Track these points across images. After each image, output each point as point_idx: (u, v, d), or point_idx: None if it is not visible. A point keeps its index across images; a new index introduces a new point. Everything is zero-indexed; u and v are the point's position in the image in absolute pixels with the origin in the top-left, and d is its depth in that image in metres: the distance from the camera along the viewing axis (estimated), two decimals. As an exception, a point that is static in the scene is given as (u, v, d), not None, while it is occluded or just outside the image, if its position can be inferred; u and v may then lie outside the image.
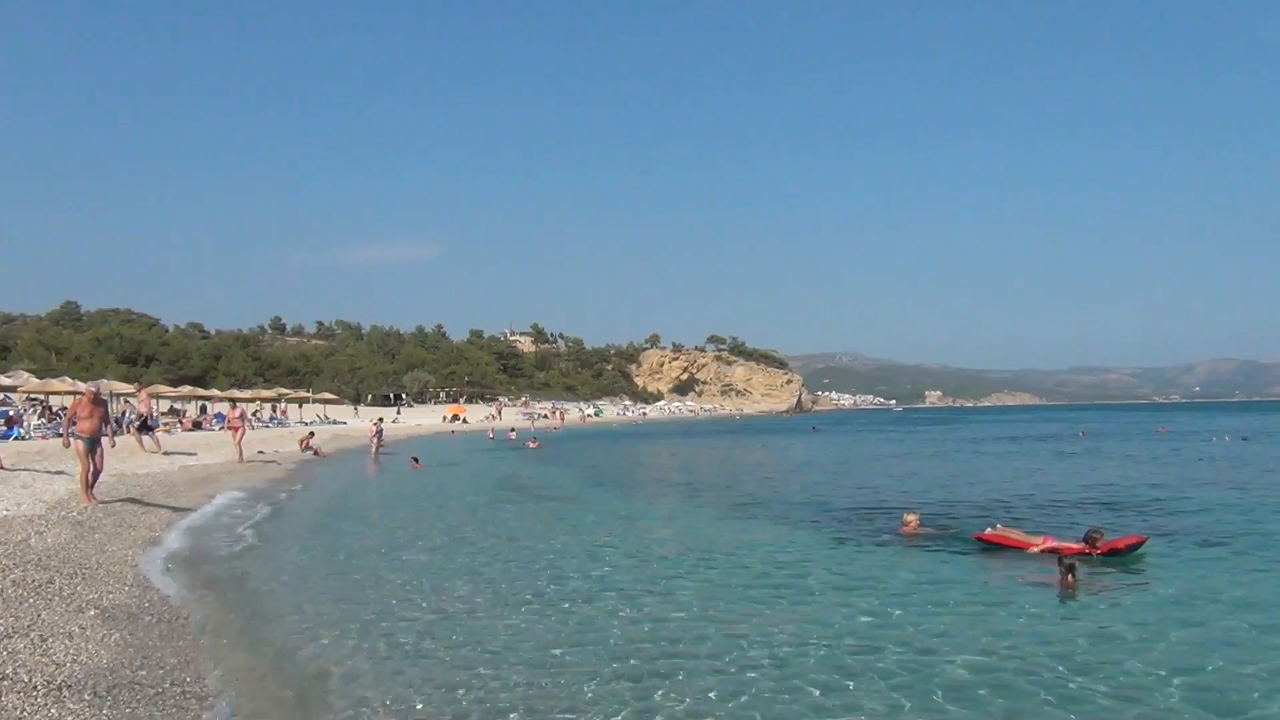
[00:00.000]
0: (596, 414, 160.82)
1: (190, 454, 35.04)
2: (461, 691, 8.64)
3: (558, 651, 9.92)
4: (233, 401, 60.61)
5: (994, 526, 17.41)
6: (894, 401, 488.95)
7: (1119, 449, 52.41)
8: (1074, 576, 13.32)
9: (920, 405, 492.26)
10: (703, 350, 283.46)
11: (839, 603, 12.30)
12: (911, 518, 19.22)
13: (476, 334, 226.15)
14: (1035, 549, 15.85)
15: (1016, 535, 16.72)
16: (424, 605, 12.17)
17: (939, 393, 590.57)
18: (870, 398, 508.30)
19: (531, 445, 58.39)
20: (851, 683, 8.81)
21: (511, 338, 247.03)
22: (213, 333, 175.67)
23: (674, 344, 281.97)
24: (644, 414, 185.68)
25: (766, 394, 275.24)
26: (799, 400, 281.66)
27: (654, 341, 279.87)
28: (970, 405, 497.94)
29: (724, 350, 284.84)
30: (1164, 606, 11.97)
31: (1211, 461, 39.95)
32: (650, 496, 27.47)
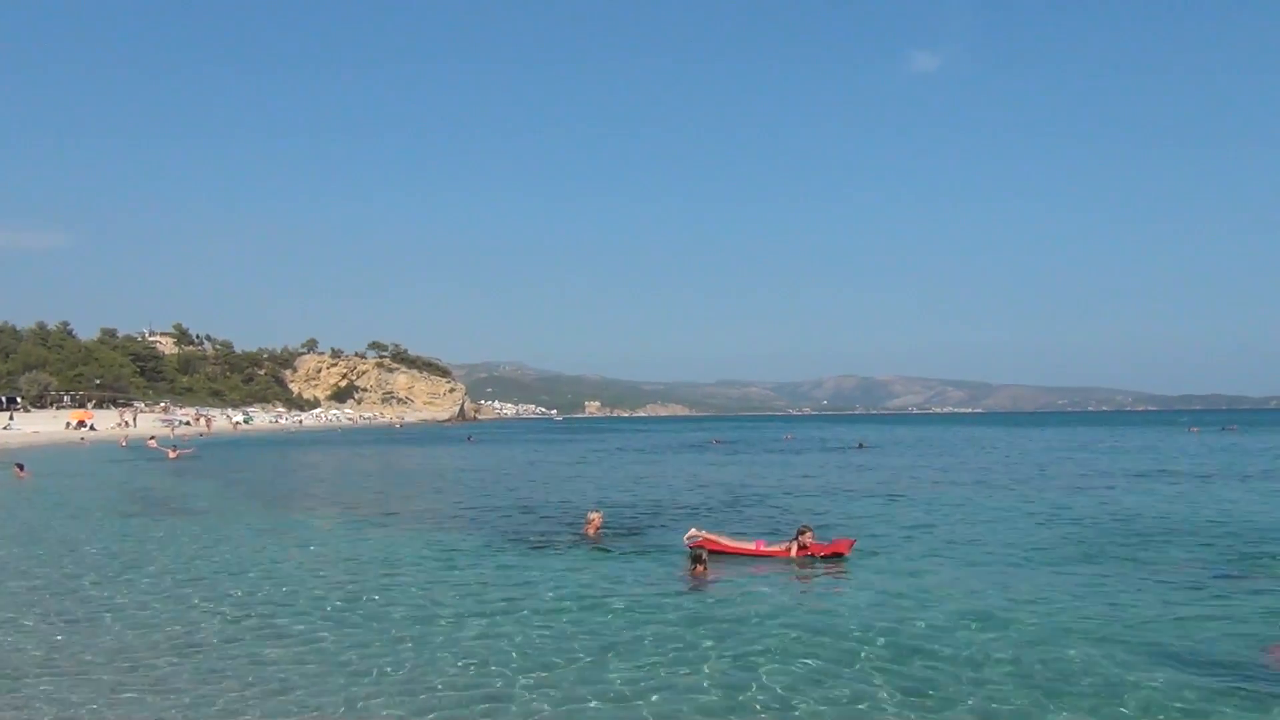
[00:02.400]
0: (247, 421, 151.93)
1: None
2: None
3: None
4: None
5: (701, 531, 17.64)
6: (555, 411, 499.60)
7: (755, 457, 56.99)
8: (703, 567, 14.52)
9: (581, 414, 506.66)
10: (363, 356, 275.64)
11: (478, 611, 12.58)
12: (595, 516, 19.90)
13: (109, 333, 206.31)
14: (751, 553, 16.24)
15: (726, 540, 17.04)
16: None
17: (598, 403, 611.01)
18: (533, 407, 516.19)
19: (171, 455, 54.43)
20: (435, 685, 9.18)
21: (151, 338, 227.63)
22: None
23: (333, 349, 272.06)
24: (300, 422, 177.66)
25: (429, 402, 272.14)
26: (462, 409, 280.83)
27: (311, 346, 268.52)
28: (627, 415, 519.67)
29: (385, 357, 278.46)
30: (750, 601, 13.20)
31: (841, 468, 44.60)
32: (297, 509, 26.55)
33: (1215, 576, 14.37)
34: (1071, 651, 9.87)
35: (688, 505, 26.24)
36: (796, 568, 15.40)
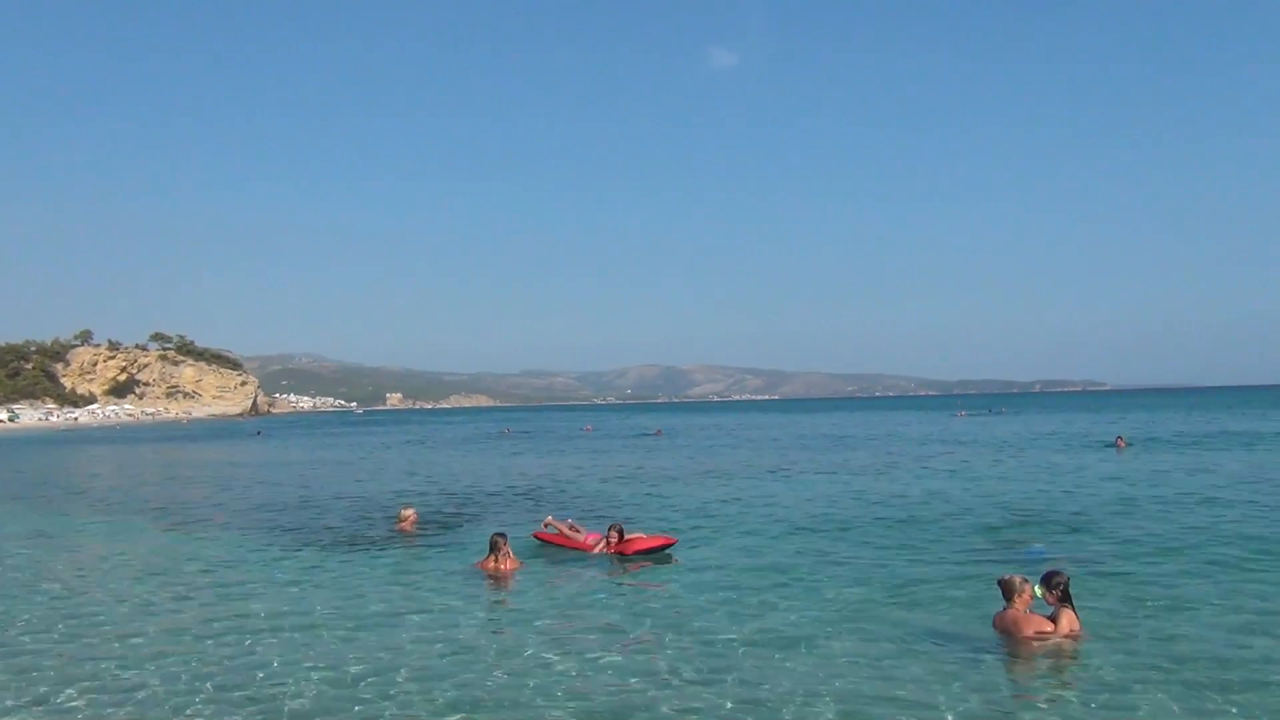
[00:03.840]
0: (12, 419, 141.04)
1: None
2: None
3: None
4: None
5: (546, 525, 17.45)
6: (355, 404, 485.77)
7: (553, 446, 57.62)
8: (499, 561, 14.75)
9: (382, 407, 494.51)
10: (145, 348, 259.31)
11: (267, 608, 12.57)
12: (408, 512, 19.59)
13: None
14: (594, 549, 15.97)
15: (569, 533, 16.78)
16: None
17: (400, 395, 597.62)
18: (331, 400, 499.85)
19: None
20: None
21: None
22: None
23: (110, 341, 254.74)
24: (74, 419, 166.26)
25: (219, 396, 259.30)
26: (254, 403, 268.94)
27: (85, 338, 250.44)
28: (431, 407, 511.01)
29: (170, 349, 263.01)
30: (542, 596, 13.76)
31: (632, 451, 45.78)
32: (69, 512, 25.27)
33: (957, 551, 15.82)
34: (819, 631, 10.67)
35: (497, 496, 26.56)
36: (615, 562, 15.37)
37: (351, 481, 33.35)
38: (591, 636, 10.52)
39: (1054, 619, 9.69)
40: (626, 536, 15.90)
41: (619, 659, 9.58)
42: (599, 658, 9.65)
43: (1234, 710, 7.76)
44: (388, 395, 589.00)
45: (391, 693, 8.64)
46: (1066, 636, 9.58)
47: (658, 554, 15.64)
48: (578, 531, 16.68)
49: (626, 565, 15.06)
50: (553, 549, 16.56)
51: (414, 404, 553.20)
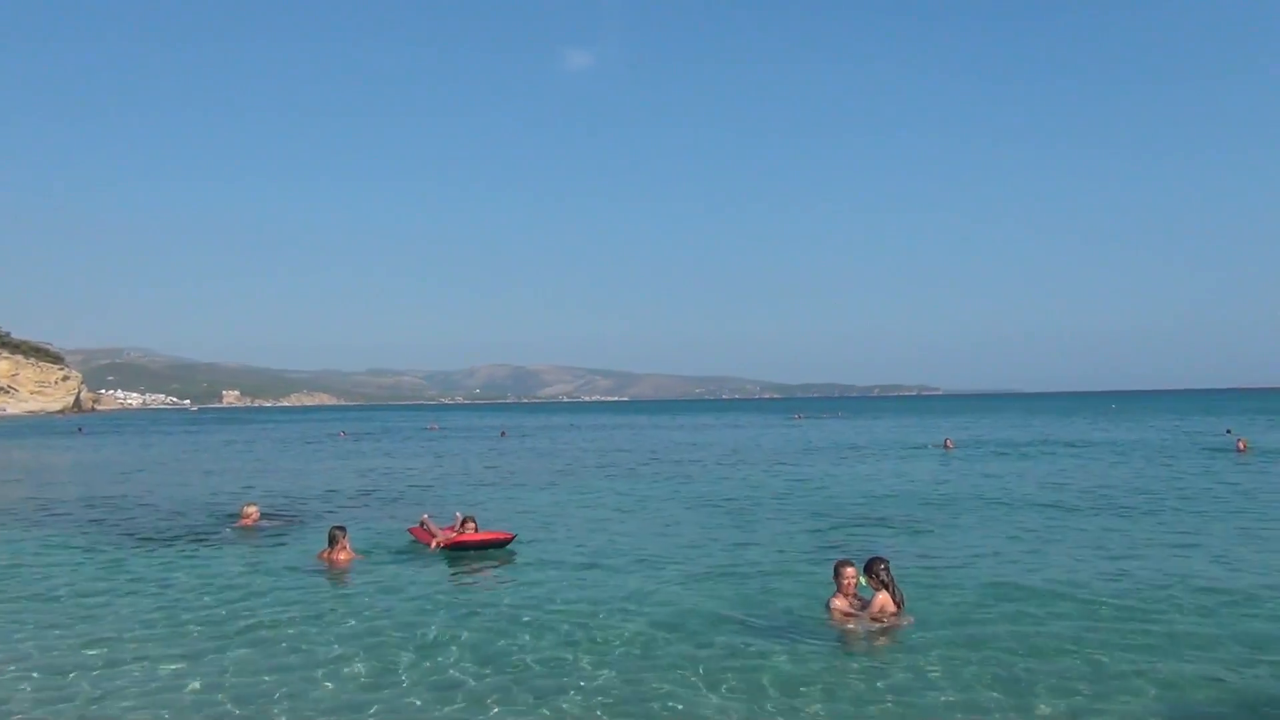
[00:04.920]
0: None
1: None
2: None
3: None
4: None
5: (422, 522, 17.05)
6: (189, 401, 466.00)
7: (396, 446, 56.62)
8: (339, 553, 14.64)
9: (218, 405, 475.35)
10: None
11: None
12: (250, 509, 19.02)
13: None
14: (434, 544, 15.73)
15: (435, 530, 16.37)
16: None
17: (237, 392, 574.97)
18: (163, 397, 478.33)
19: None
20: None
21: None
22: None
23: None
24: None
25: (37, 391, 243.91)
26: (78, 399, 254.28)
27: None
28: (270, 404, 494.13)
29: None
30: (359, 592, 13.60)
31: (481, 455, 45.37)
32: None
33: (791, 544, 16.40)
34: (655, 625, 10.85)
35: (338, 494, 25.99)
36: (452, 556, 15.30)
37: (183, 480, 31.96)
38: (396, 633, 10.41)
39: (868, 602, 10.27)
40: (468, 530, 15.98)
41: (412, 655, 9.55)
42: (398, 652, 9.64)
43: (1037, 685, 8.27)
44: (224, 392, 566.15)
45: (217, 684, 8.44)
46: (876, 618, 10.12)
47: (497, 549, 15.70)
48: (453, 530, 16.49)
49: (465, 560, 15.03)
50: (403, 542, 16.59)
51: (252, 402, 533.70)
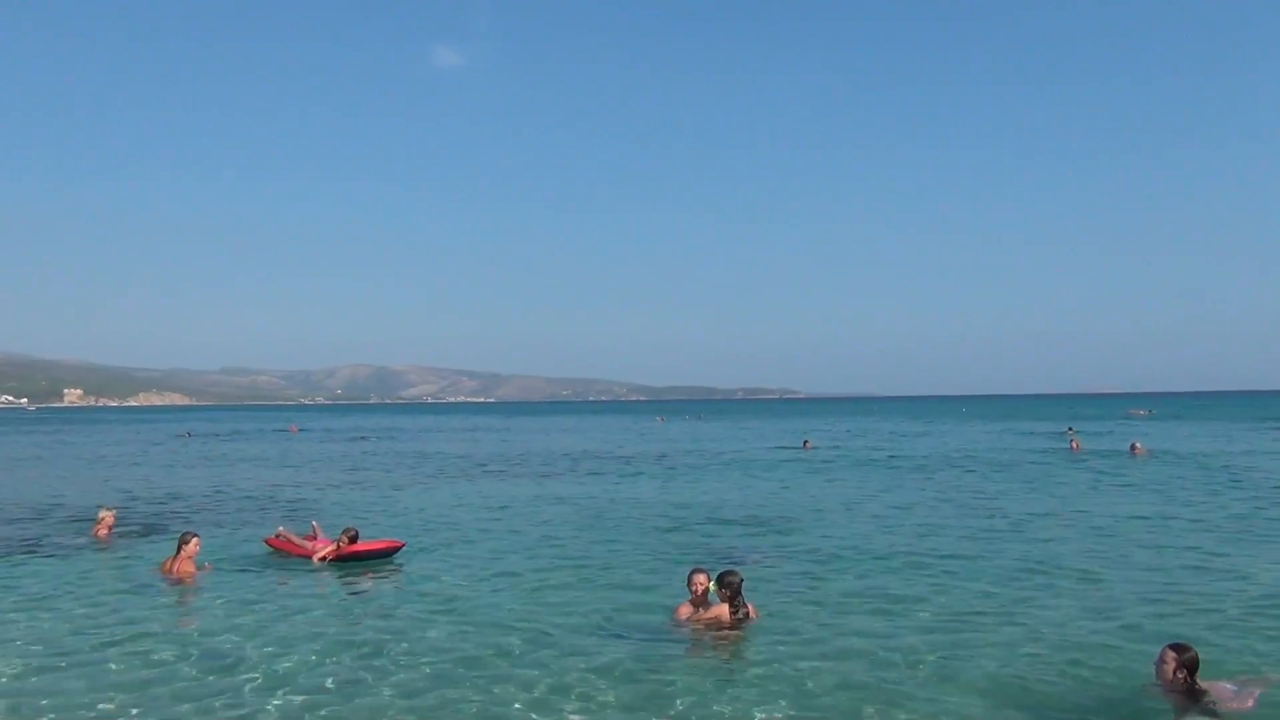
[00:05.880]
0: None
1: None
2: None
3: None
4: None
5: (278, 533, 16.45)
6: (26, 400, 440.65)
7: (255, 449, 54.67)
8: (175, 564, 13.98)
9: (59, 404, 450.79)
10: None
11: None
12: (106, 515, 18.07)
13: None
14: (317, 558, 15.16)
15: (297, 541, 15.89)
16: None
17: (80, 390, 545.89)
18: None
19: None
20: None
21: None
22: None
23: None
24: None
25: None
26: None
27: None
28: (117, 404, 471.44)
29: None
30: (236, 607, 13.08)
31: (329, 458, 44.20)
32: None
33: (645, 549, 16.55)
34: (514, 638, 10.72)
35: (180, 500, 24.99)
36: (332, 568, 14.86)
37: (15, 485, 30.16)
38: (239, 651, 10.02)
39: (709, 610, 10.51)
40: (344, 541, 15.39)
41: (257, 680, 9.19)
42: (235, 674, 9.31)
43: (882, 684, 8.63)
44: (65, 391, 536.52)
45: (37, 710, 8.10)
46: (710, 625, 10.32)
47: (383, 559, 15.31)
48: (313, 539, 15.95)
49: (344, 571, 14.61)
50: (258, 552, 16.03)
51: (97, 401, 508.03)
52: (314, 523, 16.72)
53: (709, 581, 10.65)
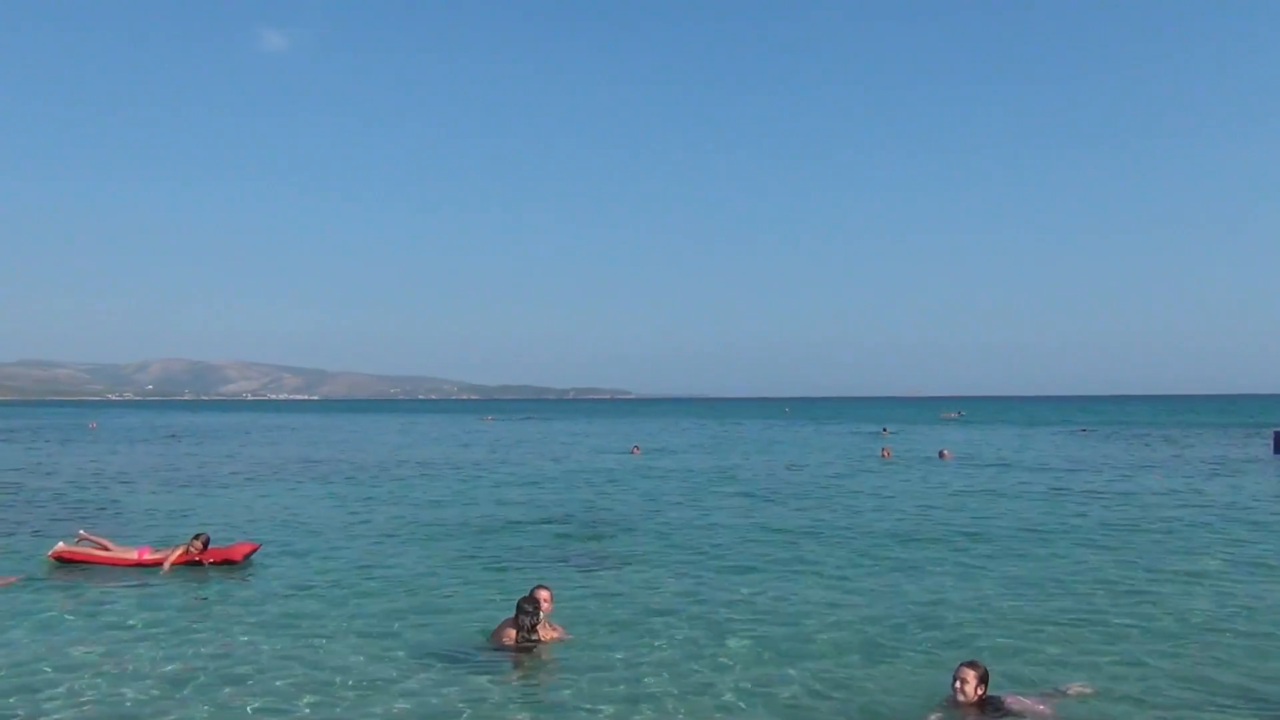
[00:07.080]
0: None
1: None
2: None
3: None
4: None
5: (74, 539, 15.15)
6: None
7: (51, 449, 51.19)
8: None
9: None
10: None
11: None
12: None
13: None
14: (133, 562, 14.27)
15: (102, 549, 14.72)
16: None
17: None
18: None
19: None
20: None
21: None
22: None
23: None
24: None
25: None
26: None
27: None
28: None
29: None
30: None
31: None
32: None
33: (481, 561, 16.27)
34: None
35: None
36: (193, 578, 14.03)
37: None
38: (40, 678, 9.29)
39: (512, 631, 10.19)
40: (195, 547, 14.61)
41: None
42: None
43: (720, 683, 8.74)
44: None
45: None
46: (500, 644, 9.99)
47: (231, 565, 14.62)
48: (126, 548, 14.96)
49: (193, 576, 13.97)
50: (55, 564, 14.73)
51: None
52: (80, 532, 15.65)
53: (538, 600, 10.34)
